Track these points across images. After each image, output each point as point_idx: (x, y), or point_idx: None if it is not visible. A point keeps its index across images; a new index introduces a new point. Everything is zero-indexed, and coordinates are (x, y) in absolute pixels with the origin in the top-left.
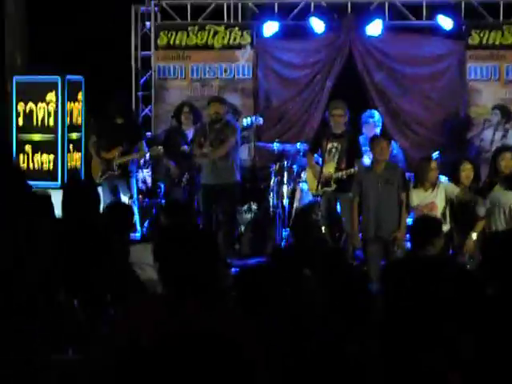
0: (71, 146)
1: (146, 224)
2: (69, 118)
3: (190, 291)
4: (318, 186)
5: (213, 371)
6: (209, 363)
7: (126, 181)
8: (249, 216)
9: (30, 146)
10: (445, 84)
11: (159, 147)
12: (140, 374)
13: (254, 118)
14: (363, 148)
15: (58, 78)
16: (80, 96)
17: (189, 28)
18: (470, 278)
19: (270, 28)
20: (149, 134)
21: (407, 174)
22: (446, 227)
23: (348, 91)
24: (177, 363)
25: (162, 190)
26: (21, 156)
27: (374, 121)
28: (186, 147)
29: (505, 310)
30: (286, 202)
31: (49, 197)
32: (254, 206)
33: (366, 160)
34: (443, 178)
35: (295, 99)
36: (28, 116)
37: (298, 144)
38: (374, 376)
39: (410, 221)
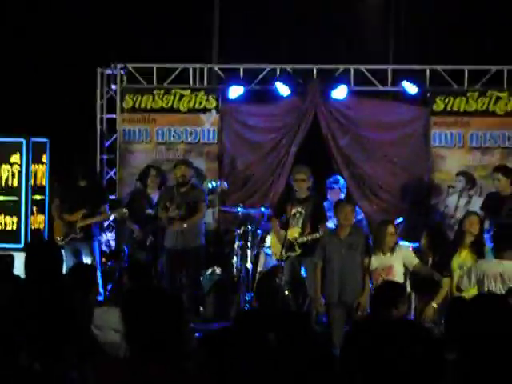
0: (35, 208)
1: (109, 287)
2: (33, 180)
3: (155, 353)
4: (282, 251)
5: None
6: None
7: (89, 244)
8: (212, 280)
9: None
10: (409, 149)
11: (124, 209)
12: None
13: (218, 181)
14: (328, 213)
15: (23, 140)
16: (44, 158)
17: (154, 91)
18: (437, 342)
19: (236, 92)
20: (113, 196)
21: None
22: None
23: (313, 156)
24: None
25: (126, 252)
26: None
27: (339, 186)
28: (150, 210)
29: (466, 376)
30: (249, 266)
31: (7, 258)
32: (217, 270)
33: (331, 225)
34: (404, 243)
35: (260, 163)
36: None
37: (263, 208)
38: None
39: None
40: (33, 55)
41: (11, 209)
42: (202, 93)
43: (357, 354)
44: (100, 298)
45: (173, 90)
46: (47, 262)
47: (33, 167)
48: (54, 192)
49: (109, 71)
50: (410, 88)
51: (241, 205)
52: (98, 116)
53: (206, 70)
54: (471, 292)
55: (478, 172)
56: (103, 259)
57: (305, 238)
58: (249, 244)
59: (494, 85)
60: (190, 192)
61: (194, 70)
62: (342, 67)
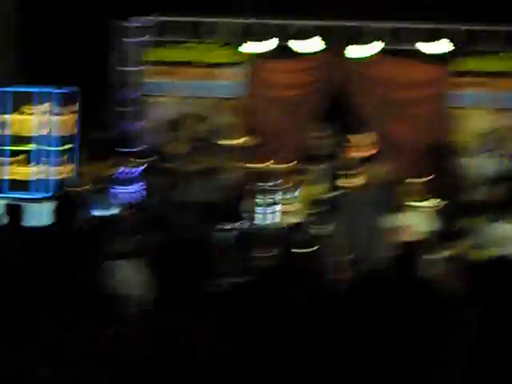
0: (64, 158)
1: (129, 239)
2: (63, 129)
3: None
4: (304, 207)
5: None
6: None
7: (110, 195)
8: (232, 234)
9: (22, 155)
10: (430, 109)
11: (144, 160)
12: None
13: (242, 138)
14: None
15: (53, 90)
16: (75, 108)
17: (179, 44)
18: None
19: (261, 47)
20: (134, 149)
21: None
22: None
23: (337, 114)
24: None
25: (148, 205)
26: (13, 165)
27: (363, 144)
28: (171, 164)
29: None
30: (270, 222)
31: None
32: (238, 225)
33: (354, 182)
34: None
35: (284, 120)
36: (21, 125)
37: (286, 165)
38: None
39: None
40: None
41: (41, 157)
42: (228, 47)
43: None
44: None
45: (198, 43)
46: (72, 211)
47: (62, 117)
48: (81, 142)
49: (135, 23)
50: (435, 48)
51: (264, 161)
52: (121, 68)
53: (232, 24)
54: (486, 253)
55: (499, 134)
56: (123, 211)
57: (327, 195)
58: (272, 200)
59: None
60: (209, 146)
61: (221, 23)
62: (365, 25)
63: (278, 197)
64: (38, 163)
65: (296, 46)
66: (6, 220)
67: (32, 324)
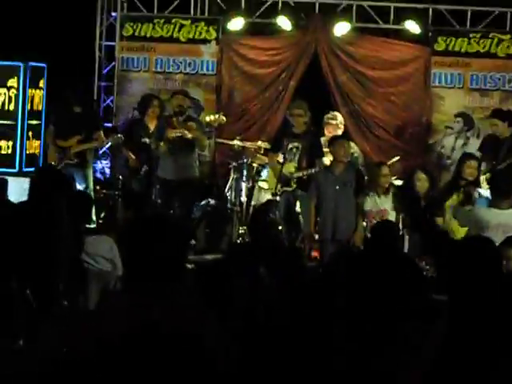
0: (30, 133)
1: (101, 215)
2: (29, 105)
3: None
4: (277, 186)
5: (176, 365)
6: (172, 358)
7: (83, 170)
8: (206, 212)
9: None
10: (409, 89)
11: (119, 135)
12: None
13: (216, 115)
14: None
15: (21, 64)
16: (42, 83)
17: (155, 20)
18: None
19: (237, 24)
20: (109, 124)
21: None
22: None
23: (311, 91)
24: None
25: (120, 181)
26: None
27: (337, 122)
28: (146, 139)
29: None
30: (244, 199)
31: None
32: (211, 202)
33: (327, 161)
34: (398, 183)
35: (258, 97)
36: None
37: (259, 142)
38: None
39: None
40: None
41: (7, 133)
42: (203, 23)
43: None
44: (92, 227)
45: (173, 20)
46: (51, 188)
47: (30, 92)
48: (49, 117)
49: None
50: (412, 27)
51: (237, 137)
52: (97, 43)
53: (207, 0)
54: (461, 233)
55: (476, 114)
56: (97, 187)
57: (300, 174)
58: (244, 177)
59: (497, 27)
60: (188, 122)
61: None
62: (344, 3)
63: (251, 174)
64: (5, 138)
65: (271, 22)
66: None
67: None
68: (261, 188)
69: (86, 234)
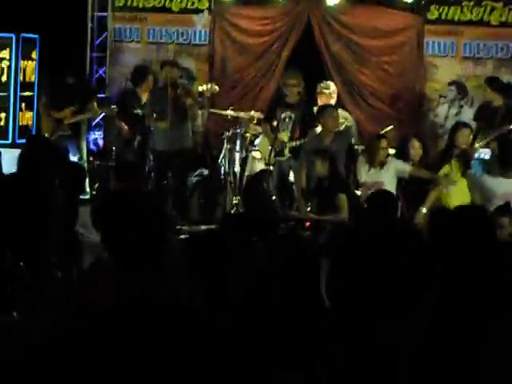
0: (23, 105)
1: (95, 186)
2: (22, 76)
3: (136, 259)
4: (270, 155)
5: (167, 338)
6: (162, 331)
7: (76, 142)
8: (199, 182)
9: None
10: (402, 57)
11: (112, 106)
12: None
13: (209, 85)
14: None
15: (13, 35)
16: (34, 54)
17: None
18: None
19: None
20: (102, 95)
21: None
22: None
23: (304, 61)
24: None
25: (114, 152)
26: None
27: (330, 91)
28: (139, 110)
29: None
30: (237, 169)
31: None
32: (205, 172)
33: (320, 130)
34: (391, 152)
35: (251, 67)
36: None
37: (252, 111)
38: (327, 338)
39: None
40: None
41: (0, 104)
42: None
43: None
44: (86, 198)
45: None
46: (43, 158)
47: (22, 63)
48: (41, 89)
49: None
50: None
51: (230, 107)
52: (89, 13)
53: None
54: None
55: (469, 82)
56: (90, 158)
57: (293, 143)
58: (237, 147)
59: None
60: (182, 92)
61: None
62: None
63: (245, 144)
64: None
65: None
66: None
67: None
68: (254, 158)
69: (80, 205)
